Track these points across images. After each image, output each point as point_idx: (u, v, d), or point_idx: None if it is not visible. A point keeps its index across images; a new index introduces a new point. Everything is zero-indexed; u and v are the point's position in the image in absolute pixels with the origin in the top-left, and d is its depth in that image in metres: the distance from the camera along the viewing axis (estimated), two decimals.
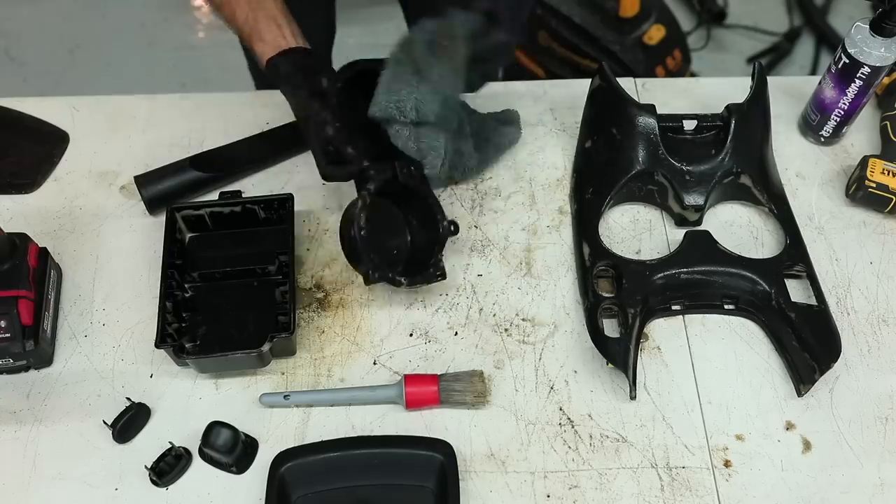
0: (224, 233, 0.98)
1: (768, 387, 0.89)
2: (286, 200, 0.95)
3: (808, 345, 0.87)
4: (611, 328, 0.91)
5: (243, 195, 0.99)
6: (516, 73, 1.96)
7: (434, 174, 0.94)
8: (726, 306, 0.94)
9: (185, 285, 0.93)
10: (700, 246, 0.95)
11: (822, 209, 1.04)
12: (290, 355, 0.90)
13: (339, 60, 0.97)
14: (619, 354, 0.86)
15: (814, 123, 1.08)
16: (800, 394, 0.87)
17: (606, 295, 0.91)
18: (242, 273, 0.94)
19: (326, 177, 0.91)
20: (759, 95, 1.01)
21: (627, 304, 0.89)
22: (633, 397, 0.86)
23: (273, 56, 0.88)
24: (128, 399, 0.85)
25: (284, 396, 0.86)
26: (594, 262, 0.94)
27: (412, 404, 0.85)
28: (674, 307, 0.93)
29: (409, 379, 0.86)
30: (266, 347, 0.84)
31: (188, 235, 0.98)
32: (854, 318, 0.94)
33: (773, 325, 0.91)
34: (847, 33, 0.99)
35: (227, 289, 0.94)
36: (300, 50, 0.89)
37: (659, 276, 0.92)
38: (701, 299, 0.94)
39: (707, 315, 0.94)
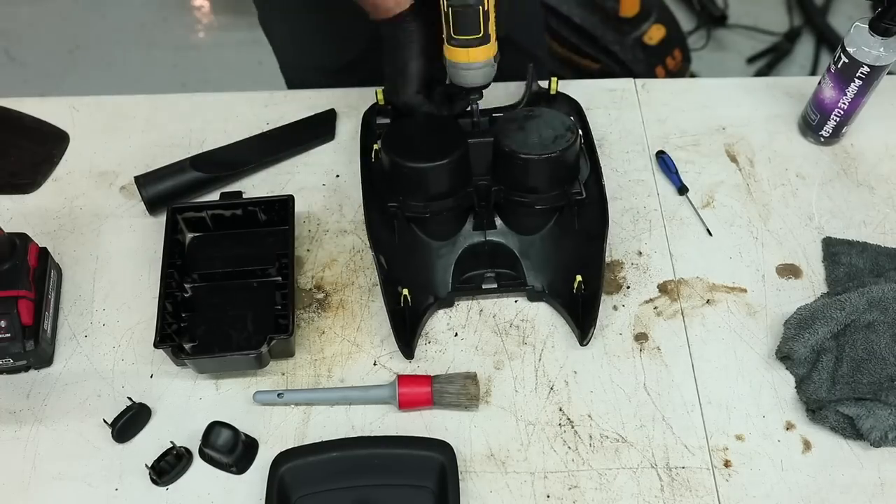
0: (224, 233, 0.98)
1: (768, 387, 0.89)
2: (287, 202, 0.95)
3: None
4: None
5: (244, 196, 0.99)
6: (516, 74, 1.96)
7: None
8: None
9: (185, 286, 0.93)
10: None
11: (822, 209, 1.04)
12: (289, 357, 0.90)
13: None
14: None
15: (814, 123, 1.08)
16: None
17: None
18: (242, 274, 0.94)
19: (406, 105, 0.93)
20: None
21: None
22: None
23: None
24: (129, 399, 0.85)
25: (278, 395, 0.86)
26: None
27: (405, 405, 0.85)
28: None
29: (403, 380, 0.86)
30: (264, 349, 0.84)
31: (188, 236, 0.98)
32: None
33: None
34: (847, 33, 0.99)
35: (227, 289, 0.94)
36: None
37: None
38: None
39: (706, 315, 0.94)
